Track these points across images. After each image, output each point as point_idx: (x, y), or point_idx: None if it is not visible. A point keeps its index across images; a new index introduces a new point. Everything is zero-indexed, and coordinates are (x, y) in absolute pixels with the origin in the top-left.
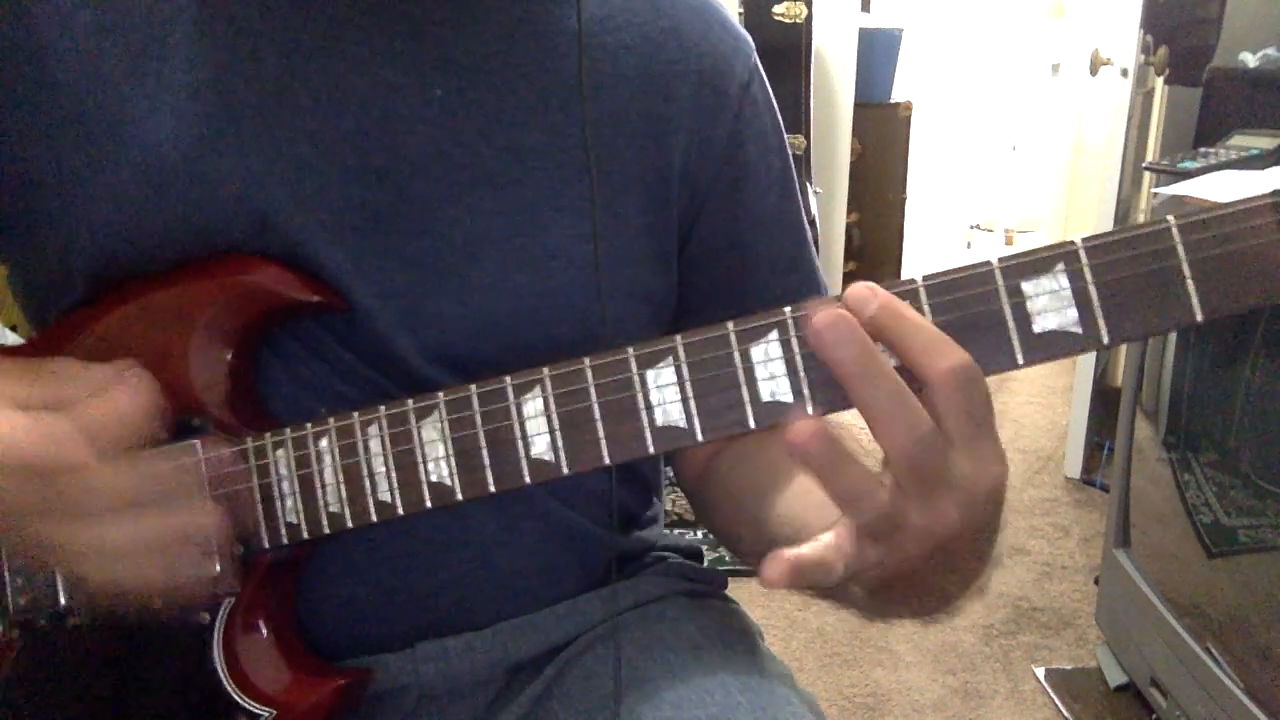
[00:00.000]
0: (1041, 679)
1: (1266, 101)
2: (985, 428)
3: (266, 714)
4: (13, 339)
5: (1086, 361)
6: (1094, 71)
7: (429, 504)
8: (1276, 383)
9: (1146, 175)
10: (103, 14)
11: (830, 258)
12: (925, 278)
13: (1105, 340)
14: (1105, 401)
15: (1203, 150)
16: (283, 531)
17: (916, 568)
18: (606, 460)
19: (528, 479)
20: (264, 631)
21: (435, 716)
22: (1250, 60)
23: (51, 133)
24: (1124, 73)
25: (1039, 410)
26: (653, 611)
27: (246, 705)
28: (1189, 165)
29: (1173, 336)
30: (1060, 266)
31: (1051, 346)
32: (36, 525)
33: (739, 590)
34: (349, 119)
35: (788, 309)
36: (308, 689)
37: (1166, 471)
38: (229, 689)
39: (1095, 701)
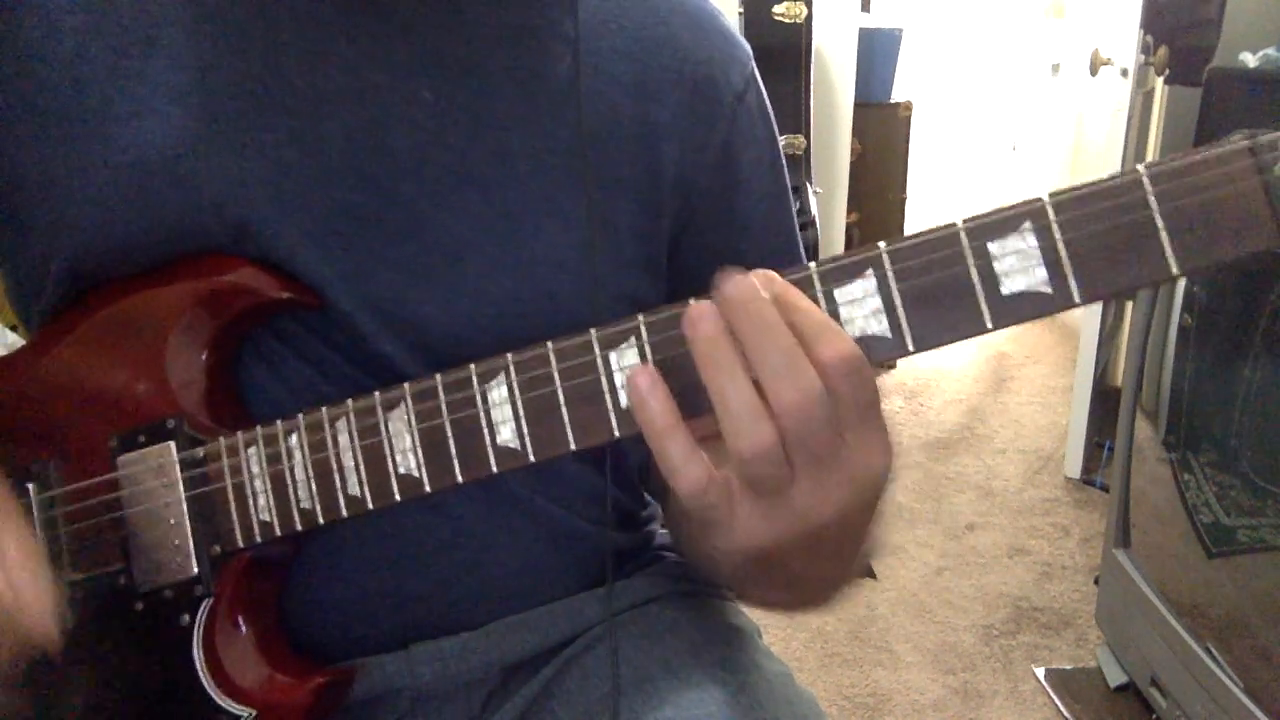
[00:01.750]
0: (1041, 679)
1: (1266, 101)
2: (873, 413)
3: (246, 714)
4: (13, 339)
5: (1086, 361)
6: (1094, 71)
7: (397, 496)
8: (1276, 383)
9: None
10: (91, 16)
11: None
12: (888, 243)
13: (1077, 299)
14: (1105, 401)
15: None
16: (256, 530)
17: (788, 549)
18: (572, 446)
19: (494, 468)
20: (244, 631)
21: (431, 717)
22: (1250, 60)
23: (36, 134)
24: (1124, 73)
25: (1039, 410)
26: (651, 611)
27: (226, 706)
28: None
29: (1173, 336)
30: (1027, 225)
31: (1021, 308)
32: None
33: None
34: (334, 121)
35: None
36: (288, 688)
37: (1166, 471)
38: (209, 690)
39: (1095, 701)
